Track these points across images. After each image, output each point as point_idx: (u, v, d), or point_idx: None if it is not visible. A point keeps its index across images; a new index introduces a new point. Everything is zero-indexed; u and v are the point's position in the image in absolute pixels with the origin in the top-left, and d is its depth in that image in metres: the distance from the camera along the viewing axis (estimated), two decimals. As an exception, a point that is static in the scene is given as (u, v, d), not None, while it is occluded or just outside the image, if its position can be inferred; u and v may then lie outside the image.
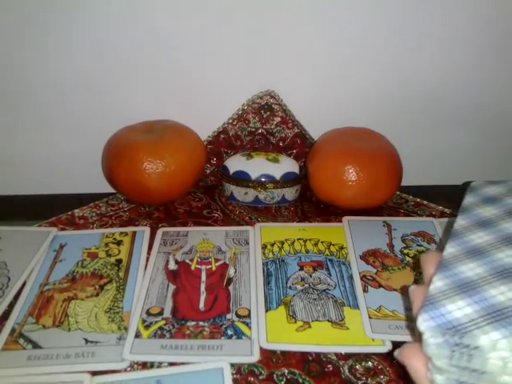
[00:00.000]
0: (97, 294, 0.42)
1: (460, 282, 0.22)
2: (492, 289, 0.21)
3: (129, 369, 0.36)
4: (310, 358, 0.37)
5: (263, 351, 0.37)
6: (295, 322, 0.40)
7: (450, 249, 0.24)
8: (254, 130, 0.60)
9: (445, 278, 0.22)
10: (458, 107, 0.61)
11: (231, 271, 0.45)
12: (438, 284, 0.22)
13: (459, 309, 0.20)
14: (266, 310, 0.41)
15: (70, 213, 0.55)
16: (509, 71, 0.58)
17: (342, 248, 0.49)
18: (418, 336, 0.20)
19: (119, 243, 0.49)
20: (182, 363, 0.36)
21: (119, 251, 0.48)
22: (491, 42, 0.56)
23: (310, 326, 0.39)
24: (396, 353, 0.22)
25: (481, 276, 0.22)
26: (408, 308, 0.41)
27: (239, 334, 0.38)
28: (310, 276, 0.45)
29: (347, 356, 0.37)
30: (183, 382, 0.34)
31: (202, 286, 0.43)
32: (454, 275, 0.22)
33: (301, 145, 0.61)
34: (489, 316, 0.19)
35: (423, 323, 0.20)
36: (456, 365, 0.19)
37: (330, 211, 0.55)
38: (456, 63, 0.57)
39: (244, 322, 0.39)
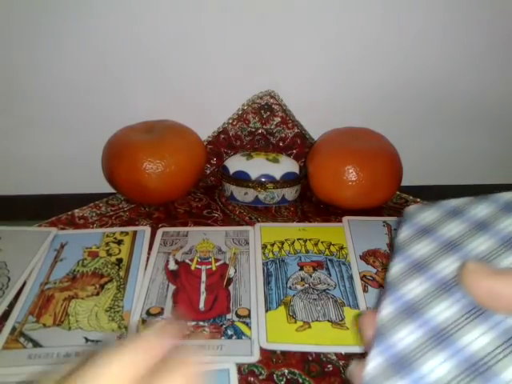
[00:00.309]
0: (97, 293, 0.42)
1: (397, 357, 0.21)
2: (428, 361, 0.20)
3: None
4: (310, 358, 0.37)
5: (263, 351, 0.37)
6: (295, 322, 0.40)
7: (385, 309, 0.23)
8: (253, 129, 0.60)
9: (382, 353, 0.21)
10: (457, 107, 0.61)
11: (231, 271, 0.45)
12: (374, 362, 0.21)
13: None
14: (266, 310, 0.41)
15: (69, 213, 0.55)
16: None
17: (341, 248, 0.49)
18: None
19: (120, 242, 0.49)
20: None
21: (120, 250, 0.48)
22: (492, 42, 0.56)
23: (309, 326, 0.39)
24: None
25: (418, 343, 0.21)
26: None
27: (239, 334, 0.38)
28: (310, 276, 0.45)
29: (347, 356, 0.37)
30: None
31: (202, 286, 0.43)
32: (391, 347, 0.21)
33: (301, 145, 0.61)
34: None
35: None
36: None
37: (329, 211, 0.55)
38: (457, 63, 0.57)
39: (244, 322, 0.39)
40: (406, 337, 0.22)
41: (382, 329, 0.22)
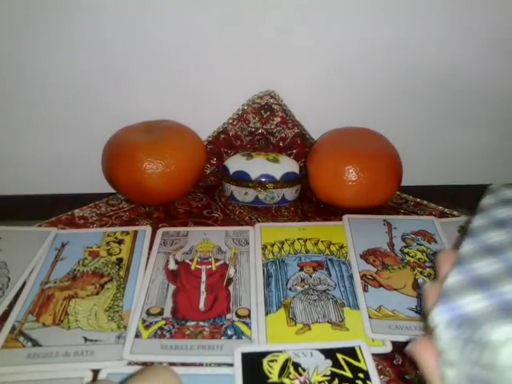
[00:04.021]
0: (97, 293, 0.42)
1: (475, 278, 0.22)
2: (508, 285, 0.21)
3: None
4: (310, 358, 0.37)
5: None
6: (295, 325, 0.39)
7: (466, 246, 0.24)
8: (253, 129, 0.60)
9: (459, 274, 0.22)
10: (458, 107, 0.61)
11: (231, 271, 0.45)
12: (452, 279, 0.22)
13: (474, 302, 0.20)
14: (266, 313, 0.41)
15: (69, 213, 0.55)
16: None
17: (342, 247, 0.49)
18: (429, 331, 0.20)
19: (120, 242, 0.49)
20: (193, 364, 0.36)
21: (120, 250, 0.48)
22: (497, 39, 0.56)
23: (309, 328, 0.39)
24: (407, 347, 0.22)
25: (496, 273, 0.22)
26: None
27: (239, 334, 0.38)
28: (310, 276, 0.45)
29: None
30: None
31: (202, 286, 0.43)
32: (469, 271, 0.22)
33: (301, 145, 0.61)
34: (503, 311, 0.19)
35: (437, 316, 0.20)
36: (467, 359, 0.19)
37: (329, 211, 0.55)
38: (457, 62, 0.57)
39: (244, 322, 0.39)
40: (485, 266, 0.22)
41: (461, 258, 0.23)
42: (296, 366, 0.35)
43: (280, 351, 0.36)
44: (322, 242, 0.49)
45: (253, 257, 0.47)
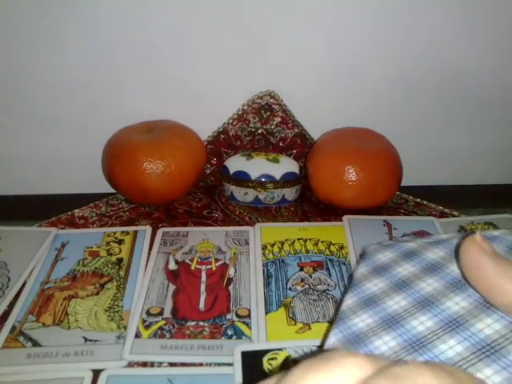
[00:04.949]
0: (97, 293, 0.42)
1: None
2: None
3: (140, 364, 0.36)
4: (310, 358, 0.37)
5: (263, 351, 0.37)
6: (295, 324, 0.39)
7: (331, 339, 0.27)
8: (254, 130, 0.60)
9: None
10: (458, 107, 0.61)
11: (231, 271, 0.45)
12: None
13: None
14: (266, 312, 0.41)
15: (69, 213, 0.55)
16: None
17: (342, 247, 0.49)
18: None
19: (120, 242, 0.49)
20: (193, 364, 0.36)
21: (120, 250, 0.48)
22: (497, 39, 0.56)
23: (309, 328, 0.39)
24: None
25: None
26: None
27: (239, 334, 0.38)
28: (310, 276, 0.45)
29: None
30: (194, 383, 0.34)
31: (202, 286, 0.43)
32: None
33: (301, 145, 0.61)
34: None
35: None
36: None
37: (330, 211, 0.55)
38: (458, 63, 0.57)
39: (244, 322, 0.39)
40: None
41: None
42: (296, 362, 0.34)
43: (280, 349, 0.36)
44: (322, 242, 0.49)
45: (253, 257, 0.47)
